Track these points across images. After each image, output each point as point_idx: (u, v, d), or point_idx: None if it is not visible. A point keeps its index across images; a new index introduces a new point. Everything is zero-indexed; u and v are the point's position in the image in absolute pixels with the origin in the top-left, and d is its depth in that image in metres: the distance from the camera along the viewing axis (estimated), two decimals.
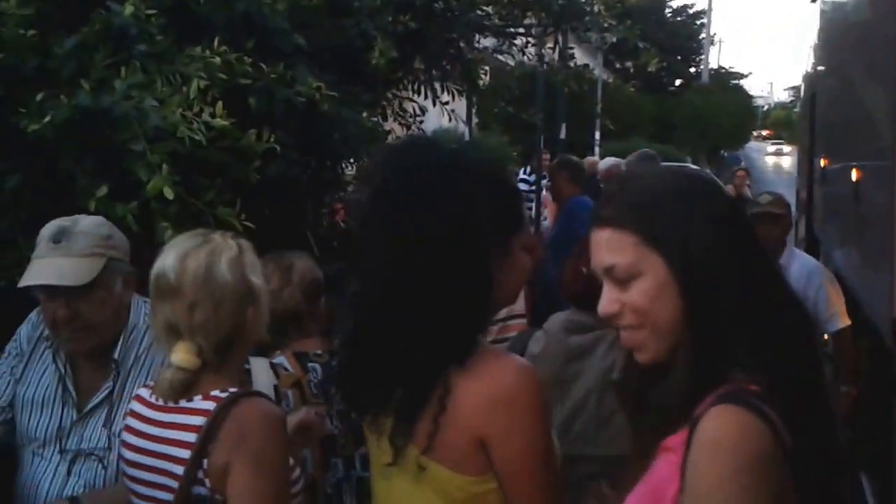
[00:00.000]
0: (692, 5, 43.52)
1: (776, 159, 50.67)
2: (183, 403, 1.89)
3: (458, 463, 1.61)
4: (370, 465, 1.83)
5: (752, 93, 48.77)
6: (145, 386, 2.06)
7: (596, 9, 5.65)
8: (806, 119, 9.97)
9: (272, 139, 2.81)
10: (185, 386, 1.89)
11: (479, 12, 5.13)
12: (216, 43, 2.79)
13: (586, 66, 6.85)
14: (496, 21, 5.49)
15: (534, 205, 9.90)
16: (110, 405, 2.31)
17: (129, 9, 2.66)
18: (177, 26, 2.89)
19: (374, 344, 1.67)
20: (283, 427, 1.91)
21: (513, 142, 15.04)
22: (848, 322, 4.62)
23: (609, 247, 1.45)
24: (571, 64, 6.53)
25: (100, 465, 2.29)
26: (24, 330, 2.44)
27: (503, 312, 4.26)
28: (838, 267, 5.83)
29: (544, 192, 9.71)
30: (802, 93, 12.77)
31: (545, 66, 6.51)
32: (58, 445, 2.31)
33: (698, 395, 1.36)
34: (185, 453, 1.84)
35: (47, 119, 2.49)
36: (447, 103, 5.35)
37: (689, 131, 29.80)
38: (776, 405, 1.30)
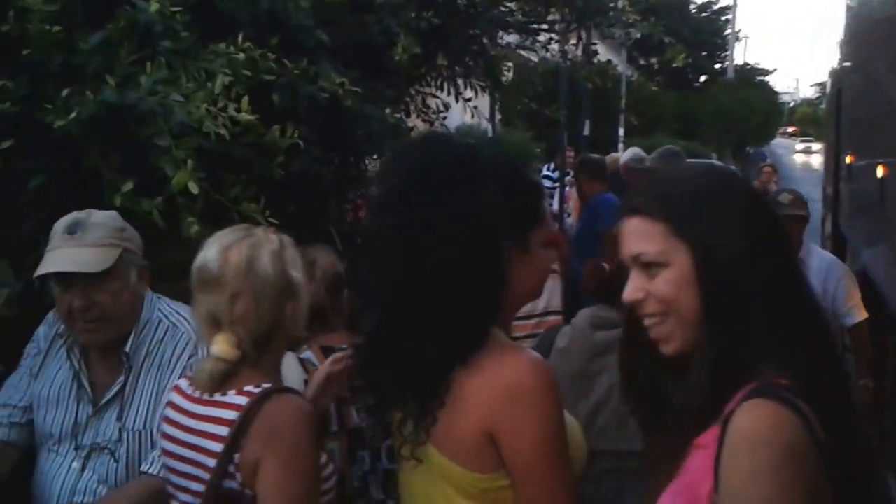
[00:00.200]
0: (717, 1, 43.25)
1: (805, 157, 49.07)
2: (217, 397, 1.91)
3: (469, 459, 1.61)
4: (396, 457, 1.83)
5: (777, 89, 48.30)
6: (184, 377, 2.08)
7: (620, 5, 5.62)
8: (832, 115, 9.89)
9: (296, 135, 2.81)
10: (224, 377, 1.91)
11: (502, 8, 5.12)
12: (240, 39, 2.80)
13: (610, 62, 6.82)
14: (519, 17, 5.47)
15: (556, 201, 9.88)
16: (122, 399, 2.32)
17: (154, 5, 2.67)
18: (201, 23, 2.90)
19: (388, 341, 1.67)
20: (314, 423, 1.92)
21: (536, 138, 15.00)
22: (865, 315, 4.63)
23: (638, 235, 1.47)
24: (595, 60, 6.50)
25: (111, 460, 2.29)
26: (41, 329, 2.46)
27: (540, 308, 4.30)
28: (865, 264, 5.78)
29: (568, 189, 9.69)
30: (829, 89, 12.65)
31: (569, 63, 6.48)
32: (73, 442, 2.32)
33: (726, 391, 1.35)
34: (218, 447, 1.86)
35: (73, 115, 2.50)
36: (470, 100, 5.34)
37: (714, 128, 29.61)
38: (807, 400, 1.29)
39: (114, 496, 2.27)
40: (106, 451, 2.29)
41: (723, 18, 42.98)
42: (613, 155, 10.99)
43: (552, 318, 4.29)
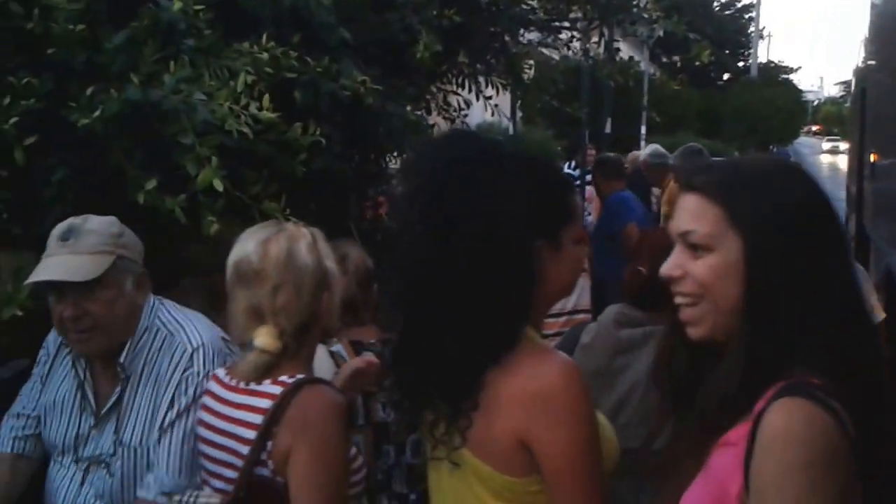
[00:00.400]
0: None
1: (832, 158, 47.18)
2: (253, 386, 1.94)
3: (501, 462, 1.60)
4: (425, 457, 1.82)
5: (801, 87, 47.84)
6: (223, 367, 2.11)
7: (643, 2, 5.60)
8: (856, 114, 9.81)
9: (317, 132, 2.82)
10: (268, 368, 1.94)
11: (523, 6, 5.12)
12: (263, 39, 2.82)
13: (632, 59, 6.79)
14: (541, 15, 5.47)
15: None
16: (119, 411, 2.24)
17: (177, 4, 2.68)
18: (224, 21, 2.91)
19: (417, 339, 1.65)
20: (345, 415, 1.95)
21: (558, 136, 14.97)
22: (883, 315, 4.60)
23: (692, 212, 1.44)
24: (617, 58, 6.47)
25: (107, 473, 2.23)
26: (51, 335, 2.40)
27: (569, 306, 4.30)
28: (890, 264, 5.72)
29: (588, 188, 9.66)
30: (853, 87, 12.55)
31: (590, 61, 6.46)
32: (74, 453, 2.27)
33: (756, 388, 1.34)
34: (251, 434, 1.89)
35: (97, 113, 2.52)
36: (491, 97, 5.34)
37: (738, 126, 29.41)
38: (840, 399, 1.28)
39: None
40: (103, 464, 2.24)
41: (746, 16, 42.67)
42: (635, 153, 10.96)
43: (581, 316, 4.29)
